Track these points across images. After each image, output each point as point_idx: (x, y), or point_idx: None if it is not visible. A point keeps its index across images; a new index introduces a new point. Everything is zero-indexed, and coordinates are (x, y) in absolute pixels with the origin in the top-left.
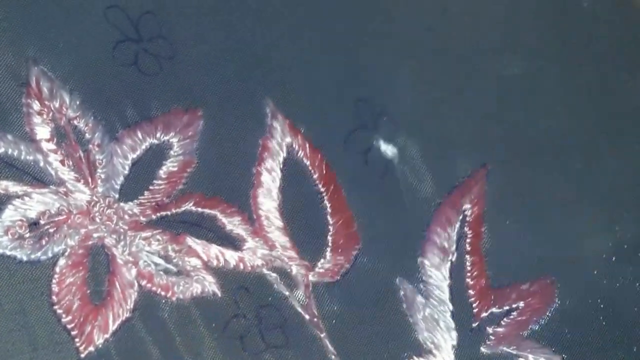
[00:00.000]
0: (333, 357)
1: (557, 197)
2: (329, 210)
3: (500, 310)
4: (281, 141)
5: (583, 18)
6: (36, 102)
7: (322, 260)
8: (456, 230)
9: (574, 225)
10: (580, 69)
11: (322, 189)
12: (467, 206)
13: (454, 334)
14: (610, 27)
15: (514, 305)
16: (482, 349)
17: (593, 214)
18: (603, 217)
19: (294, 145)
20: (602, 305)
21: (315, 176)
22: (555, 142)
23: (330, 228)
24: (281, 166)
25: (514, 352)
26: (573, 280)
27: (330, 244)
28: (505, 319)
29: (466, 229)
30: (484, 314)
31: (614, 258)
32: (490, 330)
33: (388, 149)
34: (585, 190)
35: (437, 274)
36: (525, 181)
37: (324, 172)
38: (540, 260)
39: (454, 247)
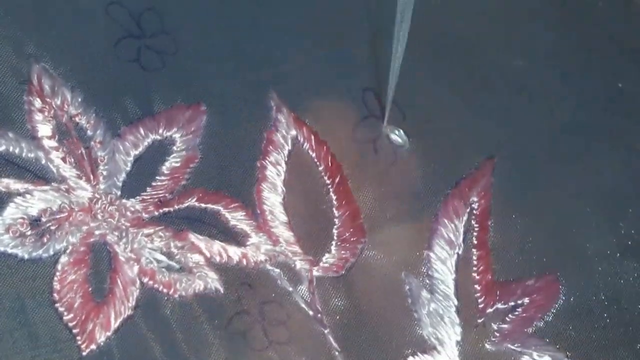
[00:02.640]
0: (337, 353)
1: (562, 194)
2: (334, 202)
3: (506, 306)
4: (286, 134)
5: (587, 14)
6: (38, 99)
7: (326, 255)
8: (464, 222)
9: (578, 221)
10: (585, 65)
11: (328, 181)
12: (474, 198)
13: (459, 330)
14: (615, 23)
15: (519, 301)
16: (487, 346)
17: (597, 211)
18: (607, 214)
19: (299, 138)
20: (606, 303)
21: (320, 168)
22: (560, 138)
23: (336, 221)
24: (286, 159)
25: (518, 349)
26: (577, 277)
27: (335, 238)
28: (510, 315)
29: (473, 222)
30: (490, 310)
31: (618, 254)
32: (495, 326)
33: (398, 136)
34: (589, 187)
35: (443, 267)
36: (529, 176)
37: (330, 163)
38: (545, 256)
39: (460, 240)
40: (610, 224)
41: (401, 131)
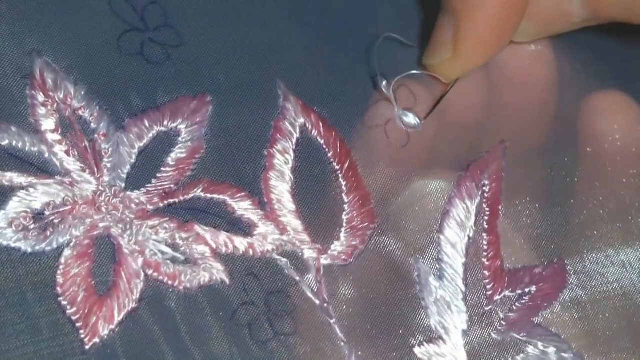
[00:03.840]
0: (342, 343)
1: (569, 183)
2: (344, 189)
3: (513, 294)
4: (294, 122)
5: None
6: (40, 93)
7: (335, 243)
8: (476, 204)
9: (586, 211)
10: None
11: (337, 167)
12: (486, 182)
13: (465, 318)
14: None
15: (526, 290)
16: (493, 335)
17: (605, 201)
18: (615, 205)
19: (307, 125)
20: (612, 293)
21: (329, 154)
22: (570, 126)
23: (346, 207)
24: (294, 147)
25: (524, 338)
26: (584, 265)
27: (344, 224)
28: (517, 304)
29: (484, 205)
30: (498, 297)
31: (625, 243)
32: (502, 314)
33: (410, 118)
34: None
35: (453, 251)
36: (539, 162)
37: (339, 149)
38: (553, 243)
39: (472, 222)
40: (617, 215)
41: (413, 114)
